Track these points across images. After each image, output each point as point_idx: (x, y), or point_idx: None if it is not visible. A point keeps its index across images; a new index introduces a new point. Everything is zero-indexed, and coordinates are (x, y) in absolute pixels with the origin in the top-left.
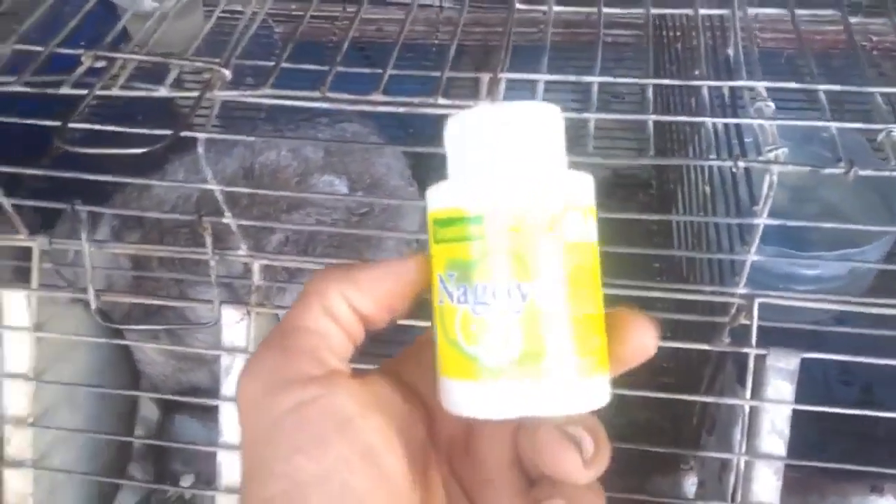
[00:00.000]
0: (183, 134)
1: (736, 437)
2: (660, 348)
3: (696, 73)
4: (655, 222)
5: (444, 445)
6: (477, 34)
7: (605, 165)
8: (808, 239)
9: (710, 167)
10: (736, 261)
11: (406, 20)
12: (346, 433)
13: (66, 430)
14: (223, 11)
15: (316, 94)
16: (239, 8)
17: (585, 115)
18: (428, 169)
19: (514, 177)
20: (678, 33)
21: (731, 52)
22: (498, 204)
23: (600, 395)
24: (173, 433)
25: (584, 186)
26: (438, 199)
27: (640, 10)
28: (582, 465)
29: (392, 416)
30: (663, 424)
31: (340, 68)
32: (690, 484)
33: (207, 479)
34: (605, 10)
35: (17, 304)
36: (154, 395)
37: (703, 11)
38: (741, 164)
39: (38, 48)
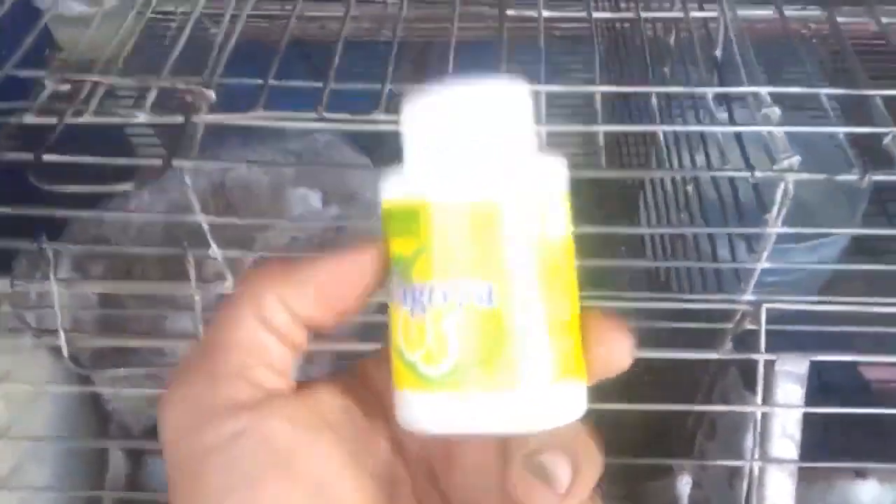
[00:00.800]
0: (175, 163)
1: (746, 442)
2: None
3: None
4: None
5: (419, 459)
6: (421, 30)
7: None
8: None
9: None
10: (740, 268)
11: (345, 19)
12: (287, 468)
13: (37, 488)
14: (154, 12)
15: (312, 115)
16: (171, 8)
17: (595, 127)
18: None
19: (463, 161)
20: (654, 33)
21: (718, 53)
22: (444, 193)
23: (572, 407)
24: (146, 476)
25: (554, 173)
26: (388, 188)
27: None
28: (557, 501)
29: (345, 436)
30: (655, 427)
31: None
32: (684, 484)
33: None
34: (548, 13)
35: None
36: (128, 444)
37: (694, 14)
38: (758, 174)
39: None
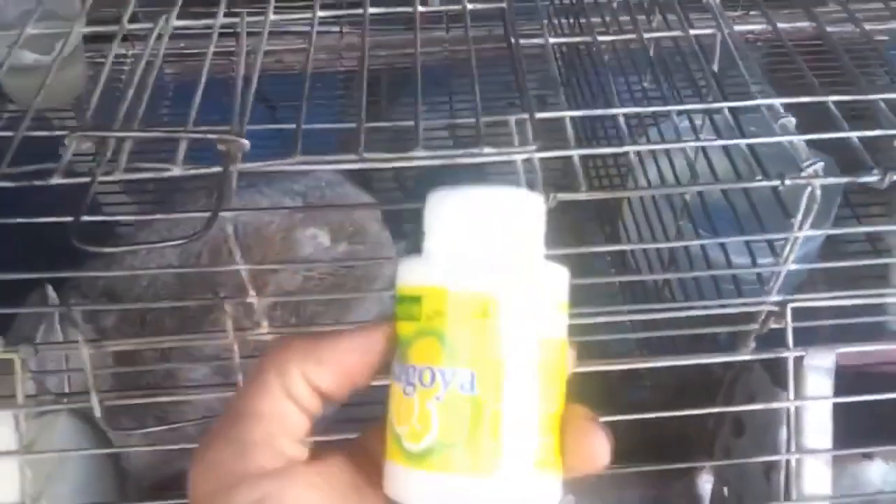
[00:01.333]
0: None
1: (780, 437)
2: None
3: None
4: (599, 233)
5: None
6: (381, 57)
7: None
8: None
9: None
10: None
11: (308, 55)
12: None
13: None
14: (103, 57)
15: (353, 156)
16: (123, 52)
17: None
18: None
19: (471, 257)
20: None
21: (715, 68)
22: (446, 281)
23: (546, 497)
24: None
25: (554, 279)
26: (402, 272)
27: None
28: None
29: (353, 502)
30: (675, 428)
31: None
32: (705, 482)
33: None
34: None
35: (2, 425)
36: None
37: (693, 32)
38: (787, 181)
39: None
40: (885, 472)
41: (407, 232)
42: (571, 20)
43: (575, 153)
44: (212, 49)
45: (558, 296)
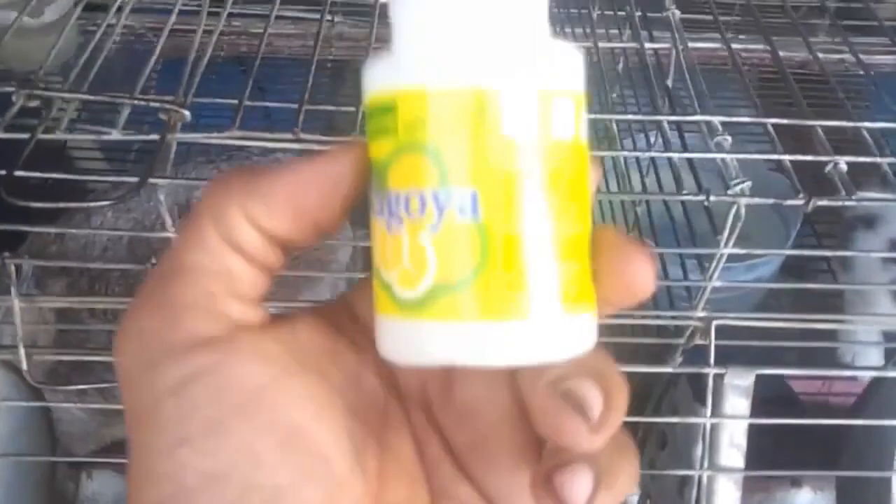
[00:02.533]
0: (151, 181)
1: (696, 452)
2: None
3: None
4: None
5: (416, 394)
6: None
7: None
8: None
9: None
10: (691, 286)
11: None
12: (253, 412)
13: None
14: (95, 25)
15: (288, 135)
16: (112, 21)
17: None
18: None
19: (454, 43)
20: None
21: (669, 83)
22: (425, 77)
23: (583, 337)
24: (93, 492)
25: (568, 64)
26: (368, 79)
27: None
28: (588, 432)
29: (326, 374)
30: None
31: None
32: (631, 495)
33: None
34: None
35: None
36: (74, 459)
37: (648, 45)
38: (713, 198)
39: None
40: (812, 500)
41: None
42: (557, 29)
43: None
44: (201, 28)
45: (572, 85)
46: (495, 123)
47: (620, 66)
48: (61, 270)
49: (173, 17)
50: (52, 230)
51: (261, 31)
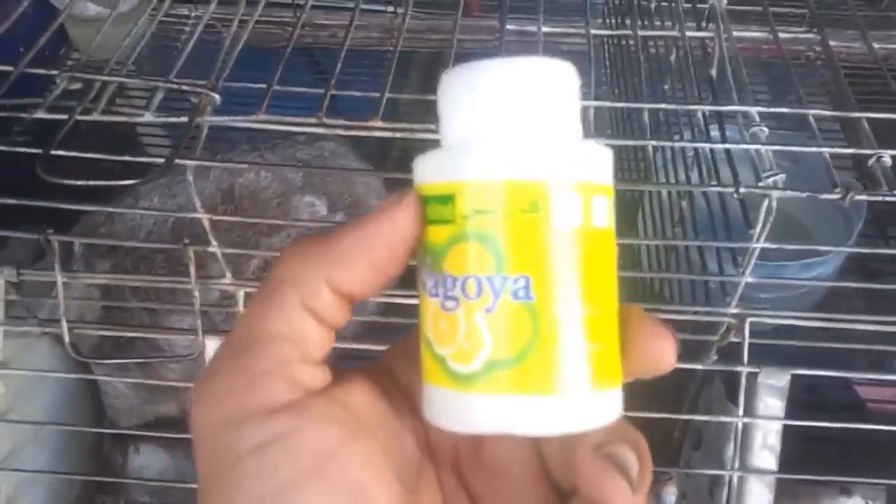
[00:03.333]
0: (178, 161)
1: (727, 452)
2: None
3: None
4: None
5: (447, 455)
6: (431, 41)
7: None
8: (768, 251)
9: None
10: (726, 281)
11: (349, 27)
12: (325, 474)
13: (35, 471)
14: (165, 16)
15: (312, 119)
16: (185, 12)
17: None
18: (396, 188)
19: (504, 141)
20: (656, 51)
21: (713, 73)
22: (482, 172)
23: (611, 408)
24: (139, 465)
25: (601, 162)
26: (422, 169)
27: (595, 32)
28: (628, 491)
29: (378, 437)
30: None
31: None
32: (671, 494)
33: None
34: (547, 28)
35: None
36: (121, 432)
37: (689, 34)
38: (742, 190)
39: None
40: None
41: None
42: (619, 20)
43: None
44: (255, 17)
45: (607, 180)
46: (547, 215)
47: (673, 57)
48: (108, 252)
49: (241, 9)
50: (90, 208)
51: (326, 22)
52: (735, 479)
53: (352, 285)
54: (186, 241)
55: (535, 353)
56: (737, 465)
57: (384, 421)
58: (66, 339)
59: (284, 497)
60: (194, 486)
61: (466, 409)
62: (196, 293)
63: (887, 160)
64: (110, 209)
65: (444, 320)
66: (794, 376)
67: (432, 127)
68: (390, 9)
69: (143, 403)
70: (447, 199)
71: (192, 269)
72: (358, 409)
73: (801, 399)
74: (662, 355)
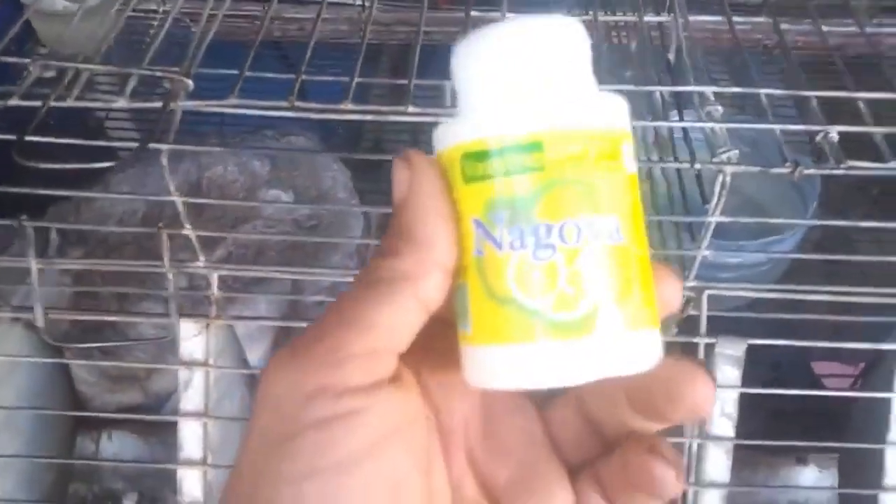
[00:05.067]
0: (151, 146)
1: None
2: None
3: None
4: None
5: (458, 436)
6: (400, 33)
7: None
8: (731, 228)
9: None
10: (685, 256)
11: (317, 20)
12: (376, 463)
13: (7, 456)
14: (134, 10)
15: (283, 103)
16: (153, 7)
17: None
18: (366, 179)
19: (571, 98)
20: (619, 40)
21: (671, 56)
22: (559, 128)
23: (658, 350)
24: (112, 452)
25: (626, 110)
26: (462, 132)
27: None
28: (676, 481)
29: (415, 434)
30: None
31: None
32: None
33: (152, 497)
34: (511, 14)
35: None
36: (94, 416)
37: (647, 18)
38: (697, 165)
39: None
40: (817, 478)
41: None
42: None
43: None
44: (222, 11)
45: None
46: (622, 161)
47: (634, 44)
48: (78, 240)
49: (210, 3)
50: (64, 193)
51: (294, 15)
52: (694, 447)
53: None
54: (161, 224)
55: (630, 293)
56: (696, 433)
57: (419, 419)
58: (41, 324)
59: (339, 475)
60: (171, 467)
61: (580, 357)
62: (170, 276)
63: (834, 136)
64: (83, 194)
65: (536, 270)
66: (756, 353)
67: (401, 108)
68: (359, 2)
69: (104, 391)
70: (532, 147)
71: (166, 253)
72: (409, 406)
73: (764, 376)
74: (673, 298)
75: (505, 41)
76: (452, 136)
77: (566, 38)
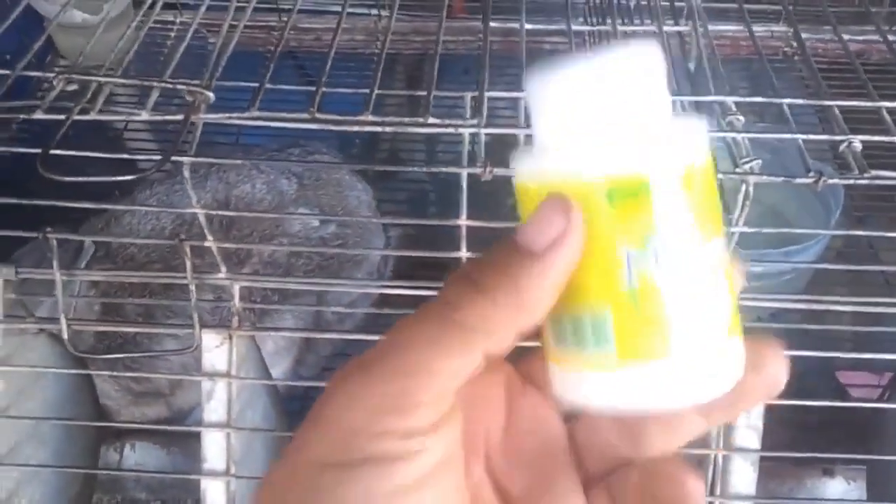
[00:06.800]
0: (174, 159)
1: (712, 432)
2: None
3: None
4: None
5: (478, 445)
6: (416, 43)
7: None
8: (753, 238)
9: None
10: None
11: (336, 31)
12: (430, 488)
13: (34, 466)
14: (154, 22)
15: (304, 115)
16: (170, 18)
17: None
18: (383, 189)
19: (675, 131)
20: None
21: (691, 65)
22: (700, 158)
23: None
24: (136, 463)
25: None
26: (609, 162)
27: (577, 28)
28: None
29: (461, 457)
30: None
31: (272, 84)
32: None
33: None
34: (529, 26)
35: None
36: (118, 425)
37: (666, 28)
38: (720, 176)
39: None
40: (844, 491)
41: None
42: (601, 19)
43: (520, 132)
44: (243, 22)
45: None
46: (712, 186)
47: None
48: (107, 259)
49: (230, 14)
50: (88, 205)
51: (310, 25)
52: (720, 459)
53: (532, 327)
54: (182, 237)
55: (726, 318)
56: (721, 445)
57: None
58: (65, 335)
59: (392, 499)
60: (195, 477)
61: (726, 368)
62: (192, 287)
63: (857, 145)
64: (108, 206)
65: (699, 293)
66: None
67: (420, 120)
68: (374, 12)
69: (129, 405)
70: (686, 180)
71: (188, 264)
72: (459, 427)
73: (789, 387)
74: (777, 375)
75: (637, 68)
76: (587, 166)
77: (655, 69)
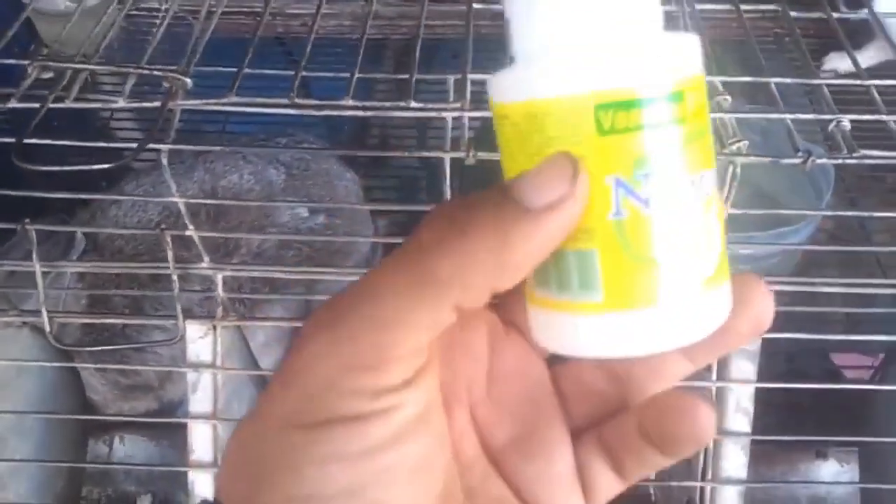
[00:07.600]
0: (152, 146)
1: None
2: None
3: None
4: None
5: (461, 394)
6: (404, 28)
7: None
8: (742, 220)
9: None
10: None
11: (316, 14)
12: (403, 445)
13: (18, 461)
14: (141, 10)
15: (284, 100)
16: (155, 5)
17: None
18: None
19: (668, 45)
20: None
21: None
22: (693, 76)
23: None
24: (125, 455)
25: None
26: (597, 78)
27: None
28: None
29: (438, 412)
30: None
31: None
32: None
33: (165, 498)
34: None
35: None
36: (105, 419)
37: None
38: None
39: None
40: (837, 472)
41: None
42: None
43: None
44: (221, 7)
45: None
46: (708, 109)
47: None
48: (94, 250)
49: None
50: (67, 195)
51: (297, 11)
52: (710, 443)
53: (508, 286)
54: (164, 226)
55: (721, 250)
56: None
57: (439, 387)
58: (48, 328)
59: (366, 460)
60: (182, 469)
61: (713, 309)
62: (174, 277)
63: (846, 124)
64: (87, 196)
65: (686, 228)
66: (771, 346)
67: (402, 104)
68: None
69: (116, 399)
70: (678, 98)
71: (170, 254)
72: (435, 382)
73: (779, 369)
74: (764, 312)
75: None
76: (573, 81)
77: None
